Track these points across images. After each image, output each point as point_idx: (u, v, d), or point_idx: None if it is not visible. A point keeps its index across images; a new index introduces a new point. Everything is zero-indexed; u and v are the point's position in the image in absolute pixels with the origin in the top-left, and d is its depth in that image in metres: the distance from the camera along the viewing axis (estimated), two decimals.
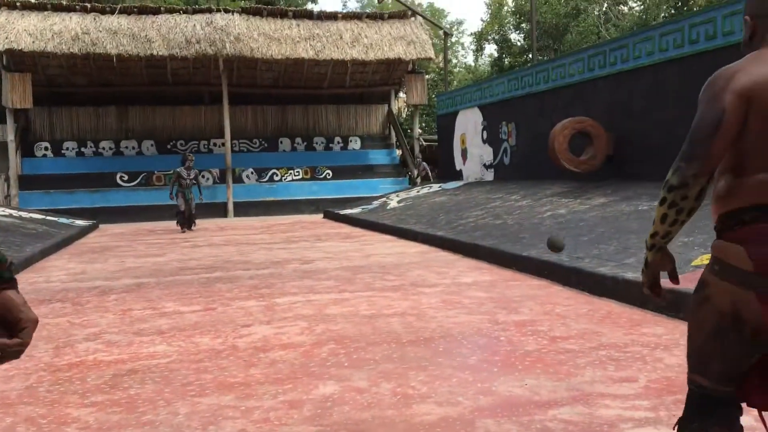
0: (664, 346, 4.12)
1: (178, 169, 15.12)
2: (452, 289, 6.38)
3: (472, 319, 5.06)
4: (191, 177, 15.10)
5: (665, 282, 2.19)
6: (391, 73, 23.53)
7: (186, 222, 14.90)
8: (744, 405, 1.90)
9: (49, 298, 6.56)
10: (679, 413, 2.92)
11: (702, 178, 1.79)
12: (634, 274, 5.52)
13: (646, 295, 2.06)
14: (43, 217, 15.36)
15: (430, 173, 21.75)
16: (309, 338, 4.60)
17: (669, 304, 5.01)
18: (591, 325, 4.72)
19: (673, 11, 25.95)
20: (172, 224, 17.23)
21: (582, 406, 3.12)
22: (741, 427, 1.89)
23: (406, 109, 28.91)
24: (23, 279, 8.02)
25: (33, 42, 18.18)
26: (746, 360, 1.84)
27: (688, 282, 5.06)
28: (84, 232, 14.62)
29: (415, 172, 21.59)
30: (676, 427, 2.00)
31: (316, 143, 23.38)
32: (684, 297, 4.85)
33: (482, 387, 3.44)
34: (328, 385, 3.55)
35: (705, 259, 5.51)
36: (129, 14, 19.57)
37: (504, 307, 5.44)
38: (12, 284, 1.44)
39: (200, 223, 17.90)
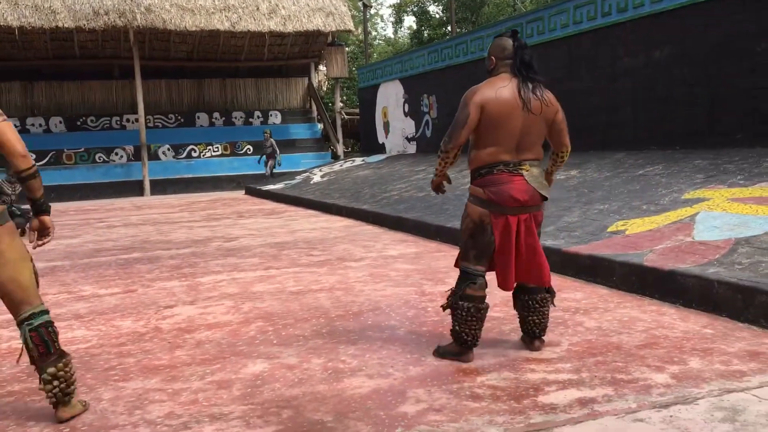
0: (583, 311, 4.27)
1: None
2: (379, 262, 6.41)
3: (399, 291, 5.10)
4: (17, 192, 10.31)
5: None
6: (311, 46, 23.22)
7: None
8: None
9: None
10: (600, 374, 3.09)
11: (455, 149, 3.39)
12: (553, 242, 5.69)
13: (434, 192, 3.72)
14: None
15: (276, 152, 19.09)
16: (235, 317, 4.53)
17: (586, 269, 5.20)
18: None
19: None
20: (85, 204, 16.59)
21: (508, 371, 3.20)
22: (485, 284, 3.44)
23: (326, 83, 28.61)
24: None
25: None
26: (488, 250, 3.40)
27: (604, 248, 5.28)
28: None
29: (268, 163, 19.00)
30: (448, 296, 3.50)
31: (235, 118, 22.90)
32: (600, 262, 5.05)
33: (411, 358, 3.48)
34: (258, 363, 3.51)
35: (620, 225, 5.74)
36: None
37: (430, 278, 5.51)
38: (48, 212, 3.02)
39: (116, 202, 17.31)
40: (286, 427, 2.68)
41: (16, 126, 20.35)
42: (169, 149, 20.84)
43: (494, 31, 12.57)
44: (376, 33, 45.20)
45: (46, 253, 8.06)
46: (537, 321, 3.52)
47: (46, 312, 2.92)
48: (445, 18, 32.31)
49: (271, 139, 19.09)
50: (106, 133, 21.01)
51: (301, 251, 7.30)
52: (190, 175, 20.39)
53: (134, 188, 19.42)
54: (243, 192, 18.42)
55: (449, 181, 3.65)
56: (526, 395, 2.88)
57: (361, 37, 30.00)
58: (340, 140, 22.13)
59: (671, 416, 2.60)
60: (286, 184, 16.75)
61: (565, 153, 3.57)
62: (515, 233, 3.35)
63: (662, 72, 8.85)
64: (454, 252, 6.77)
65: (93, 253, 7.87)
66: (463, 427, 2.59)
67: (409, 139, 16.56)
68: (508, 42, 3.39)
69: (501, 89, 3.30)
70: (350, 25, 21.19)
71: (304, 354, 3.63)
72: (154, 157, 20.29)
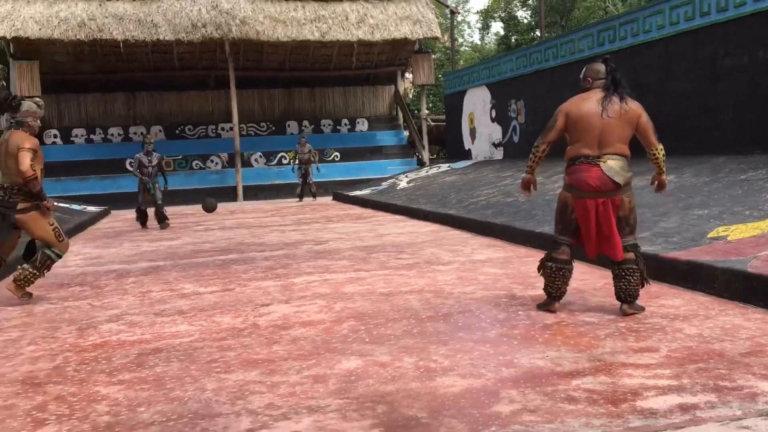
0: (683, 317, 4.13)
1: (138, 155, 12.22)
2: (467, 266, 6.41)
3: (489, 294, 5.09)
4: (153, 163, 12.12)
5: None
6: (398, 54, 23.41)
7: (145, 217, 12.36)
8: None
9: (68, 282, 6.63)
10: (702, 380, 3.01)
11: (544, 145, 4.43)
12: (650, 247, 5.53)
13: (522, 191, 4.74)
14: (56, 203, 15.42)
15: (315, 160, 18.04)
16: (328, 316, 4.64)
17: (685, 276, 5.02)
18: (608, 298, 4.73)
19: None
20: (183, 209, 17.31)
21: (605, 375, 3.15)
22: (568, 251, 4.41)
23: (412, 90, 28.77)
24: None
25: (39, 29, 18.16)
26: (570, 226, 4.37)
27: (704, 254, 5.09)
28: (96, 218, 14.71)
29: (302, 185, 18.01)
30: (540, 260, 4.54)
31: (324, 125, 23.35)
32: (700, 268, 4.87)
33: (504, 359, 3.47)
34: (351, 360, 3.59)
35: (721, 231, 5.52)
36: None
37: (520, 283, 5.47)
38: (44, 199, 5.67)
39: None
40: (382, 422, 2.73)
41: (119, 134, 21.54)
42: (261, 156, 21.48)
43: (585, 33, 12.33)
44: (462, 39, 45.12)
45: (150, 254, 8.49)
46: (623, 287, 4.24)
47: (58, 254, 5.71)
48: (533, 23, 31.89)
49: (308, 145, 18.18)
50: (202, 141, 21.88)
51: (389, 254, 7.38)
52: (281, 182, 20.90)
53: (228, 194, 20.10)
54: (331, 198, 18.75)
55: (535, 186, 4.69)
56: (624, 399, 2.83)
57: (447, 44, 30.01)
58: (426, 147, 22.18)
59: None
60: (372, 189, 16.95)
61: (655, 151, 4.34)
62: (594, 213, 4.21)
63: (767, 72, 8.44)
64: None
65: (192, 254, 8.22)
66: (559, 429, 2.57)
67: (496, 145, 16.43)
68: (602, 66, 4.36)
69: (586, 100, 4.28)
70: (437, 33, 21.22)
71: (396, 353, 3.68)
72: (246, 164, 20.96)
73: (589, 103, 4.25)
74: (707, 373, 3.09)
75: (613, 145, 4.20)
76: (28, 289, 5.67)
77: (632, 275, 4.23)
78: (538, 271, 4.54)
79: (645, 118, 4.27)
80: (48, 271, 5.77)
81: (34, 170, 5.38)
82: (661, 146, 4.34)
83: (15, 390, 3.37)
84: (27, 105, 5.67)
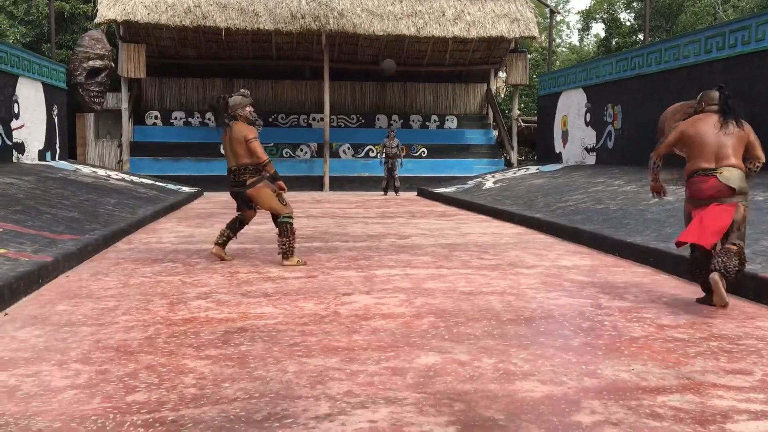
0: None
1: None
2: (552, 271, 6.29)
3: (573, 302, 4.98)
4: None
5: None
6: (492, 52, 23.14)
7: None
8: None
9: (161, 258, 6.92)
10: None
11: (654, 157, 5.11)
12: (749, 266, 5.25)
13: (654, 195, 5.30)
14: (153, 182, 16.16)
15: (400, 155, 17.73)
16: (408, 310, 4.66)
17: None
18: (701, 315, 4.54)
19: None
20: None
21: (693, 394, 3.03)
22: (701, 252, 4.76)
23: (505, 89, 28.38)
24: (137, 239, 8.49)
25: (148, 14, 18.97)
26: None
27: None
28: (190, 198, 15.28)
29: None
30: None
31: (413, 121, 23.38)
32: None
33: (587, 369, 3.39)
34: (430, 355, 3.59)
35: None
36: None
37: (607, 293, 5.32)
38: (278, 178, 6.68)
39: (299, 195, 18.35)
40: (458, 420, 2.72)
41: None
42: (348, 148, 21.73)
43: (692, 39, 11.82)
44: (560, 40, 44.19)
45: (239, 236, 8.71)
46: (722, 260, 4.47)
47: (289, 216, 6.54)
48: (636, 26, 30.85)
49: (397, 139, 18.04)
50: (293, 130, 22.35)
51: (472, 254, 7.33)
52: (366, 174, 21.09)
53: (315, 183, 20.47)
54: (415, 193, 18.78)
55: (664, 192, 5.27)
56: (713, 421, 2.71)
57: (544, 44, 29.45)
58: (515, 148, 21.86)
59: None
60: (457, 187, 16.86)
61: (758, 163, 4.81)
62: (711, 209, 4.61)
63: None
64: (634, 268, 6.49)
65: None
66: None
67: (588, 150, 16.01)
68: (716, 94, 4.88)
69: (700, 120, 4.81)
70: (535, 32, 20.84)
71: (476, 352, 3.66)
72: (334, 155, 21.26)
73: (704, 124, 4.76)
74: None
75: (728, 158, 4.67)
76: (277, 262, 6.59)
77: (733, 256, 4.48)
78: (696, 279, 4.94)
79: (753, 136, 4.81)
80: (294, 236, 6.55)
81: (266, 155, 6.41)
82: (764, 160, 4.81)
83: (109, 356, 3.56)
84: (232, 100, 6.51)
